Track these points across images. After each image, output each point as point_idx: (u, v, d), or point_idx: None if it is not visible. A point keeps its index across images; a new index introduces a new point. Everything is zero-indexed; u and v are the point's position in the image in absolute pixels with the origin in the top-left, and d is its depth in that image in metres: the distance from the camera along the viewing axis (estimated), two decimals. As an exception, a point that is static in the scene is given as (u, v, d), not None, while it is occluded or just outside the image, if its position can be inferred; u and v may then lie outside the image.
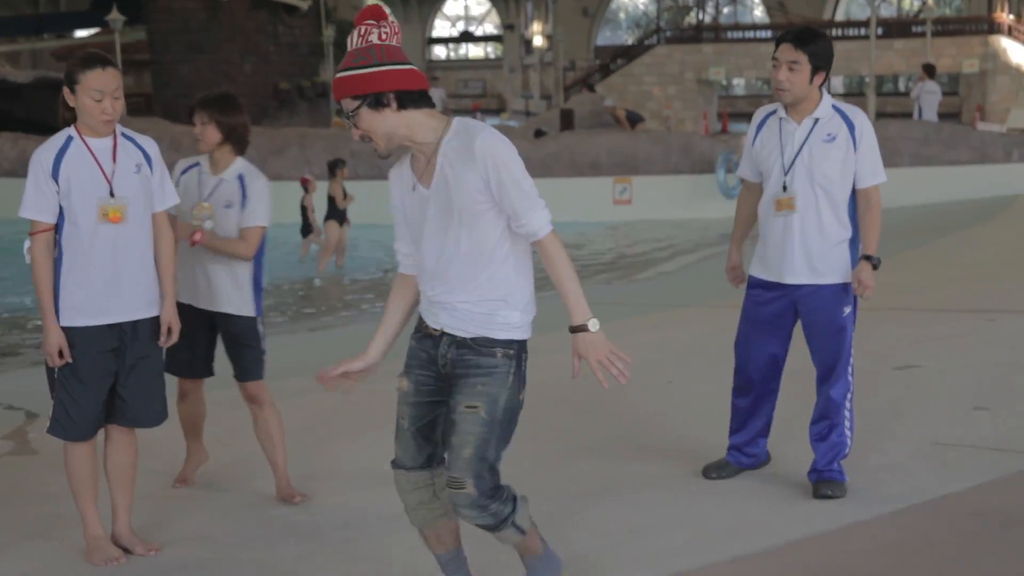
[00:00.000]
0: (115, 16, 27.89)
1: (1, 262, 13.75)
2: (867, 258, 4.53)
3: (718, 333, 7.83)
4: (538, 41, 53.09)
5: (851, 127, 4.55)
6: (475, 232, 3.16)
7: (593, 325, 3.13)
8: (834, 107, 4.61)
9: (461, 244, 3.18)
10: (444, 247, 3.20)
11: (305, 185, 14.61)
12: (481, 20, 65.19)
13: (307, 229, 14.49)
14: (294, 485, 4.91)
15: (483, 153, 3.09)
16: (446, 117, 3.21)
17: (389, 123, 3.16)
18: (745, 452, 4.93)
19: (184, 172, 4.96)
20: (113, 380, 4.17)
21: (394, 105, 3.14)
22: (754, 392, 4.83)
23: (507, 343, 3.21)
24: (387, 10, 3.26)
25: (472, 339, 3.21)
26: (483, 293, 3.20)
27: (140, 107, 32.27)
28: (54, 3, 47.88)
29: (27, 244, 4.10)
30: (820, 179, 4.54)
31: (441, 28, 65.20)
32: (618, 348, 3.14)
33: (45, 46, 40.22)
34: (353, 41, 3.21)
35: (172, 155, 19.97)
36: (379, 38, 3.17)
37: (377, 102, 3.14)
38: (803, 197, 4.56)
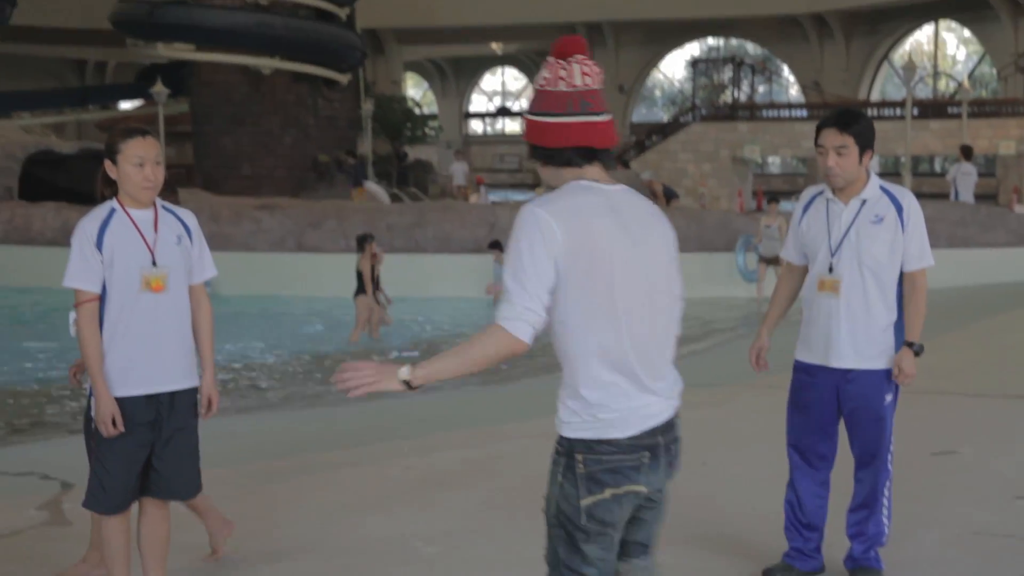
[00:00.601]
0: (159, 89, 28.44)
1: (40, 332, 13.92)
2: (908, 344, 4.48)
3: (752, 413, 7.78)
4: (574, 117, 53.57)
5: (899, 208, 4.49)
6: None
7: (401, 373, 2.85)
8: (882, 188, 4.55)
9: None
10: None
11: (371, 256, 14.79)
12: (517, 95, 65.97)
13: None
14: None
15: None
16: (588, 179, 2.91)
17: (545, 174, 2.98)
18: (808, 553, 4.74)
19: None
20: (149, 452, 4.20)
21: (538, 160, 2.96)
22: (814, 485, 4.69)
23: (559, 438, 2.94)
24: (582, 45, 2.92)
25: None
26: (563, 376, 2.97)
27: (181, 178, 32.75)
28: (100, 75, 48.88)
29: (72, 316, 4.13)
30: (868, 261, 4.47)
31: (478, 103, 66.01)
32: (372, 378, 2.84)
33: (90, 117, 40.99)
34: None
35: (211, 226, 20.10)
36: (538, 83, 2.94)
37: (529, 151, 2.99)
38: (850, 279, 4.50)
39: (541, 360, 13.10)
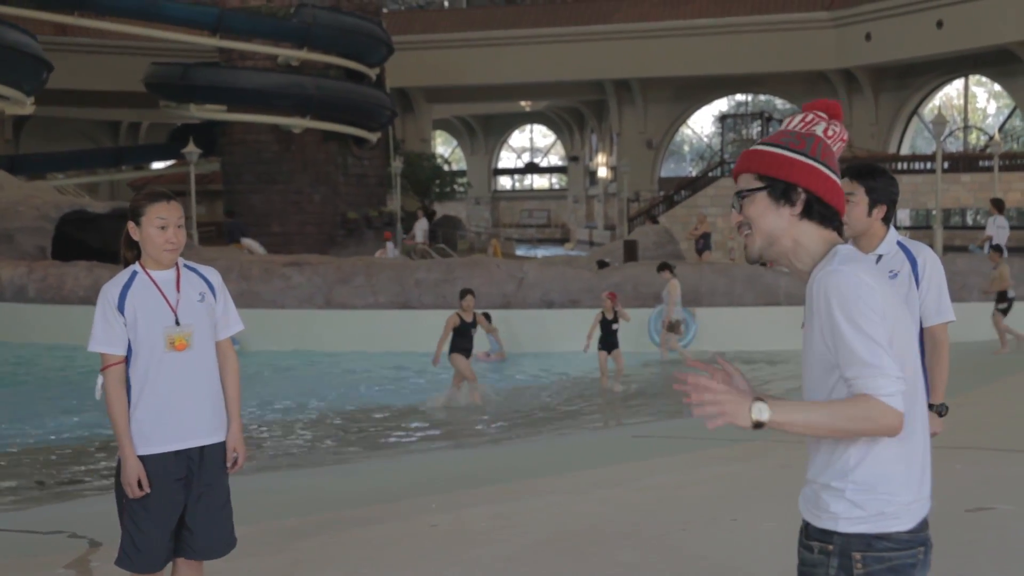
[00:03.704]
0: (191, 149, 28.83)
1: (71, 389, 14.00)
2: (930, 406, 4.40)
3: (783, 468, 7.70)
4: (602, 172, 53.86)
5: (913, 263, 4.44)
6: (817, 385, 2.58)
7: (756, 411, 2.47)
8: (899, 243, 4.53)
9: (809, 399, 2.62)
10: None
11: (612, 299, 14.70)
12: (546, 152, 66.38)
13: (610, 344, 14.66)
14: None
15: (817, 289, 2.52)
16: (842, 245, 2.63)
17: (779, 225, 2.62)
18: None
19: None
20: (181, 511, 4.19)
21: (799, 207, 2.61)
22: None
23: (824, 535, 2.53)
24: (841, 111, 2.76)
25: (804, 525, 2.62)
26: (821, 466, 2.57)
27: (211, 235, 33.08)
28: (134, 136, 49.58)
29: (99, 381, 4.15)
30: None
31: (507, 159, 66.43)
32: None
33: (123, 177, 41.52)
34: (792, 123, 2.71)
35: (241, 283, 20.10)
36: (824, 132, 2.67)
37: (784, 194, 2.61)
38: None
39: (567, 417, 13.05)
